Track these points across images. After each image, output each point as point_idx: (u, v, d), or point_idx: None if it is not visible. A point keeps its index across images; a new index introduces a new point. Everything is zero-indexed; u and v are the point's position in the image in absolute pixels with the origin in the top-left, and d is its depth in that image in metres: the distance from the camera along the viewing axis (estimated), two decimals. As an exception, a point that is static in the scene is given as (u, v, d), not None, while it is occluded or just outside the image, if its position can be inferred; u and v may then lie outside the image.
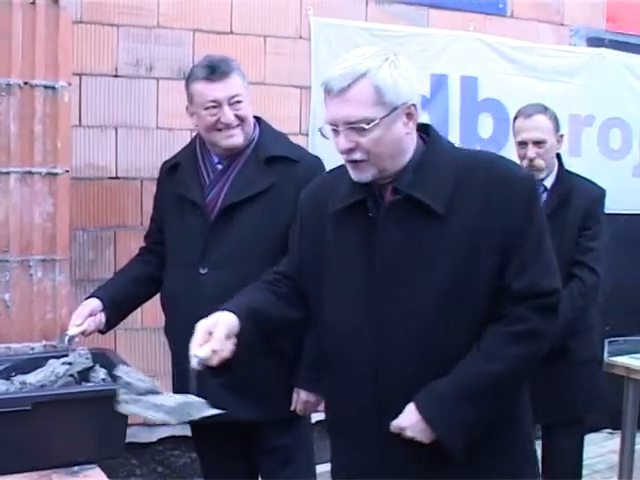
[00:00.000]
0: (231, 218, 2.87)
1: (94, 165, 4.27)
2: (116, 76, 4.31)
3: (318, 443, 3.21)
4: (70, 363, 2.53)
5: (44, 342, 3.03)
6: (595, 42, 5.65)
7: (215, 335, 2.14)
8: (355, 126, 2.06)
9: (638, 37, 5.79)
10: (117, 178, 4.34)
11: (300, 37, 4.70)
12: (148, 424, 4.39)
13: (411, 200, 2.11)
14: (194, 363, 2.13)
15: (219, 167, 2.96)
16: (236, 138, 2.90)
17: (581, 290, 3.54)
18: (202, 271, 2.86)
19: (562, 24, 5.55)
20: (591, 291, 3.58)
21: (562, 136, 3.74)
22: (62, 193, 3.03)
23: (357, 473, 2.22)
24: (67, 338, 2.79)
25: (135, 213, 4.35)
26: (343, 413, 2.25)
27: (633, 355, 4.03)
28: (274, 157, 2.91)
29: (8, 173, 2.95)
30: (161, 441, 4.54)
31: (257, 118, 3.04)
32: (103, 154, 4.31)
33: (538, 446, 3.76)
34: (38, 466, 2.40)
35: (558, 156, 3.74)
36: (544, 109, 3.69)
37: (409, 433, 2.09)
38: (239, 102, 2.88)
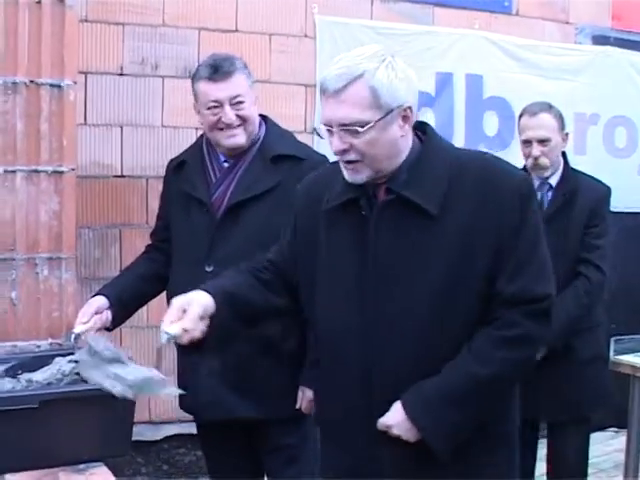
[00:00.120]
0: (237, 216, 2.88)
1: (99, 163, 4.28)
2: (121, 75, 4.32)
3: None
4: (76, 361, 2.53)
5: (50, 340, 3.03)
6: (600, 40, 5.64)
7: (188, 314, 2.15)
8: (349, 128, 2.05)
9: (644, 35, 5.79)
10: (122, 176, 4.35)
11: (305, 35, 4.70)
12: (154, 422, 4.40)
13: (404, 200, 2.10)
14: (163, 339, 2.14)
15: (225, 165, 2.96)
16: (238, 138, 2.90)
17: (587, 288, 3.54)
18: (208, 269, 2.86)
19: (567, 22, 5.54)
20: (597, 289, 3.58)
21: (567, 134, 3.73)
22: (68, 191, 3.03)
23: (345, 473, 2.21)
24: (73, 336, 2.80)
25: (140, 211, 4.36)
26: (332, 412, 2.25)
27: (639, 353, 4.02)
28: (280, 156, 2.91)
29: (14, 171, 2.95)
30: (167, 439, 4.55)
31: (263, 117, 3.04)
32: (108, 152, 4.32)
33: (543, 445, 3.81)
34: (45, 464, 2.40)
35: (563, 154, 3.74)
36: (549, 107, 3.69)
37: (395, 431, 2.09)
38: (241, 102, 2.88)
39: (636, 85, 5.65)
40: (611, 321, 4.02)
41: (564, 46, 5.45)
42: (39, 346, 3.02)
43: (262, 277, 2.35)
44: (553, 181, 3.68)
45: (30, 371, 2.62)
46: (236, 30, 4.54)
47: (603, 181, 3.75)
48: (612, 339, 3.95)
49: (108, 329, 2.96)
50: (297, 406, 2.89)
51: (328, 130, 2.10)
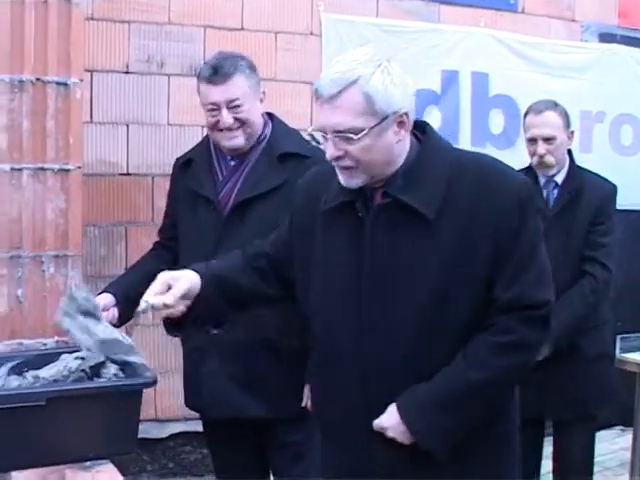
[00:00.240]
0: (244, 214, 2.88)
1: (105, 161, 4.28)
2: (127, 73, 4.33)
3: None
4: (83, 358, 2.53)
5: (56, 338, 3.03)
6: (607, 38, 5.63)
7: (173, 290, 2.17)
8: (344, 135, 2.03)
9: (650, 33, 5.78)
10: (128, 174, 4.35)
11: (311, 33, 4.71)
12: (160, 420, 4.41)
13: (401, 204, 2.08)
14: (142, 307, 2.16)
15: (232, 163, 2.96)
16: (236, 140, 2.91)
17: (593, 286, 3.54)
18: (214, 267, 2.86)
19: (573, 20, 5.54)
20: (602, 287, 3.58)
21: (572, 132, 3.73)
22: (74, 189, 3.03)
23: (345, 473, 2.21)
24: (79, 333, 2.80)
25: (146, 209, 4.37)
26: (331, 412, 2.25)
27: (645, 351, 4.02)
28: (287, 154, 2.91)
29: (21, 169, 2.95)
30: (172, 437, 4.56)
31: (270, 115, 3.04)
32: (114, 150, 4.32)
33: (549, 443, 3.81)
34: (51, 461, 2.40)
35: (569, 152, 3.74)
36: (554, 105, 3.68)
37: (390, 433, 2.09)
38: (238, 106, 2.87)
39: (642, 83, 5.64)
40: (617, 319, 4.02)
41: (570, 44, 5.44)
42: (45, 344, 3.02)
43: (255, 265, 2.37)
44: (559, 179, 3.68)
45: (36, 369, 2.62)
46: (242, 28, 4.55)
47: (609, 179, 3.75)
48: (618, 337, 3.95)
49: (115, 326, 2.96)
50: (303, 404, 2.89)
51: (323, 136, 2.09)
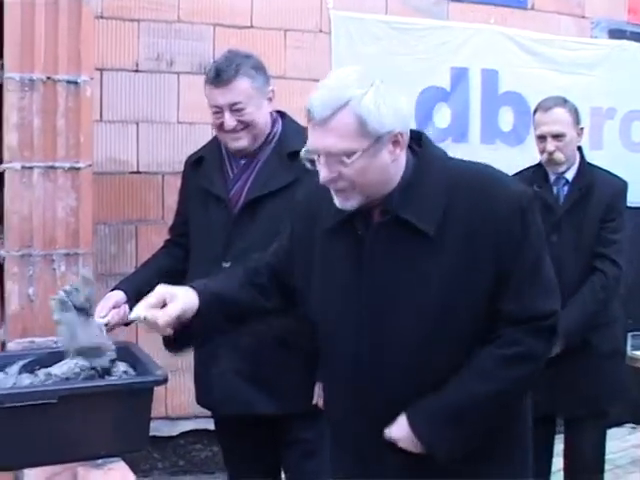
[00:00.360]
0: (254, 212, 2.88)
1: (115, 160, 4.30)
2: (137, 71, 4.34)
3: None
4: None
5: (68, 336, 3.04)
6: (616, 34, 5.62)
7: (169, 310, 2.13)
8: (337, 158, 2.00)
9: (660, 29, 5.76)
10: (138, 172, 4.37)
11: (320, 31, 4.71)
12: (170, 418, 4.42)
13: (400, 221, 2.06)
14: (133, 317, 2.16)
15: (242, 162, 2.97)
16: (241, 142, 2.91)
17: (603, 283, 3.53)
18: (225, 265, 2.86)
19: (583, 16, 5.53)
20: (613, 284, 3.57)
21: (582, 129, 3.72)
22: (85, 187, 3.04)
23: (355, 474, 2.22)
24: (91, 330, 2.81)
25: (156, 207, 4.38)
26: (338, 417, 2.26)
27: (657, 349, 4.02)
28: (297, 152, 2.90)
29: (31, 168, 2.96)
30: (183, 435, 4.57)
31: (281, 113, 3.04)
32: (124, 149, 4.33)
33: (560, 440, 3.80)
34: (63, 459, 2.41)
35: (579, 149, 3.73)
36: (563, 102, 3.67)
37: (401, 444, 2.10)
38: (241, 109, 2.87)
39: (652, 79, 5.62)
40: (627, 316, 4.00)
41: (580, 40, 5.43)
42: (56, 342, 3.02)
43: (256, 280, 2.33)
44: (569, 176, 3.68)
45: (47, 367, 2.63)
46: (251, 26, 4.55)
47: (619, 175, 3.74)
48: (629, 334, 3.94)
49: (126, 324, 2.97)
50: (314, 402, 2.90)
51: (315, 158, 2.05)
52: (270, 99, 2.97)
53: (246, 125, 2.89)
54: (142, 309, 2.14)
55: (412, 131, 2.11)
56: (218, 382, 2.92)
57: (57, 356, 2.67)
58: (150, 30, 4.35)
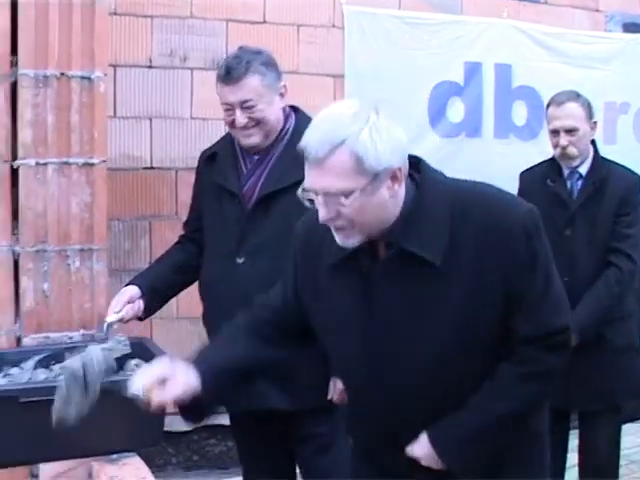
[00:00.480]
0: (267, 208, 2.88)
1: (129, 156, 4.30)
2: (150, 67, 4.34)
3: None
4: (109, 349, 2.54)
5: (82, 331, 3.05)
6: (631, 28, 5.59)
7: (166, 392, 2.09)
8: (335, 198, 1.95)
9: (674, 22, 5.73)
10: (152, 168, 4.37)
11: (333, 26, 4.70)
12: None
13: (405, 253, 2.02)
14: (131, 390, 2.08)
15: (256, 157, 2.97)
16: (253, 138, 2.91)
17: (618, 277, 3.52)
18: (239, 260, 2.87)
19: (597, 10, 5.50)
20: (628, 278, 3.57)
21: (595, 123, 3.71)
22: (99, 183, 3.05)
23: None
24: (106, 325, 2.82)
25: (170, 203, 4.39)
26: (362, 438, 2.29)
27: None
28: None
29: (46, 164, 2.97)
30: (197, 430, 4.57)
31: (294, 108, 3.04)
32: (138, 145, 4.34)
33: (575, 436, 3.79)
34: (78, 454, 2.42)
35: (593, 143, 3.71)
36: (576, 96, 3.66)
37: (423, 462, 2.11)
38: (252, 106, 2.86)
39: (667, 73, 5.59)
40: (642, 311, 3.99)
41: (594, 34, 5.40)
42: (71, 337, 3.04)
43: (263, 332, 2.29)
44: (583, 170, 3.67)
45: (62, 362, 2.64)
46: (264, 21, 4.55)
47: (634, 170, 3.73)
48: (644, 329, 3.93)
49: (140, 318, 2.98)
50: (329, 397, 2.90)
51: (313, 197, 2.01)
52: (282, 95, 2.96)
53: (257, 122, 2.89)
54: (141, 383, 2.08)
55: (410, 157, 2.05)
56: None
57: (72, 351, 2.68)
58: (163, 26, 4.36)
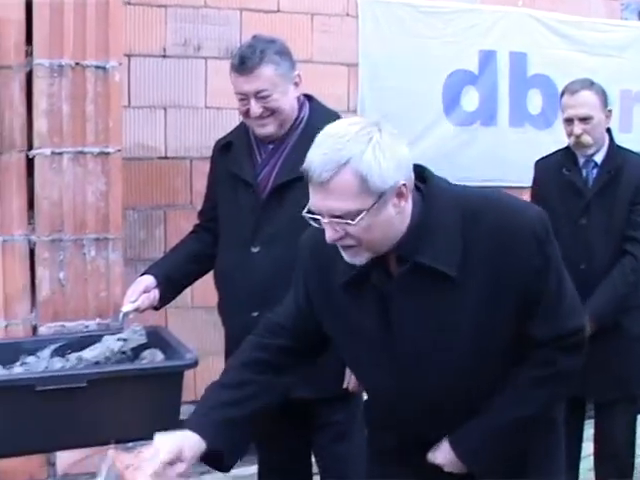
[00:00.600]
0: (282, 197, 2.87)
1: (143, 145, 4.31)
2: (164, 56, 4.34)
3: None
4: (125, 339, 2.56)
5: (98, 320, 3.07)
6: (647, 16, 5.57)
7: (174, 470, 2.03)
8: (341, 219, 1.92)
9: (691, 10, 5.70)
10: (166, 158, 4.38)
11: (347, 15, 4.69)
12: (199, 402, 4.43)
13: (419, 266, 2.00)
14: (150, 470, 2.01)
15: (270, 147, 2.96)
16: (268, 128, 2.90)
17: (633, 266, 3.51)
18: (254, 250, 2.87)
19: (613, -2, 5.47)
20: (643, 267, 3.56)
21: (610, 111, 3.68)
22: (114, 172, 3.06)
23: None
24: (122, 315, 2.83)
25: (185, 192, 4.39)
26: (385, 441, 2.29)
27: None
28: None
29: (61, 153, 2.98)
30: (212, 418, 4.58)
31: (308, 97, 3.03)
32: (152, 134, 4.34)
33: (591, 425, 3.78)
34: (94, 442, 2.43)
35: (608, 131, 3.70)
36: (590, 84, 3.64)
37: (446, 469, 2.13)
38: (266, 96, 2.85)
39: (683, 61, 5.56)
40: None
41: (610, 22, 5.38)
42: (87, 326, 3.06)
43: (273, 362, 2.26)
44: (598, 158, 3.65)
45: (79, 350, 2.66)
46: (278, 10, 4.54)
47: (650, 158, 3.71)
48: (659, 318, 3.91)
49: (156, 308, 2.98)
50: (344, 386, 2.90)
51: (319, 218, 1.98)
52: (297, 84, 2.95)
53: (272, 112, 2.88)
54: (158, 458, 2.02)
55: (415, 166, 2.02)
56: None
57: (88, 340, 2.70)
58: (177, 16, 4.35)
